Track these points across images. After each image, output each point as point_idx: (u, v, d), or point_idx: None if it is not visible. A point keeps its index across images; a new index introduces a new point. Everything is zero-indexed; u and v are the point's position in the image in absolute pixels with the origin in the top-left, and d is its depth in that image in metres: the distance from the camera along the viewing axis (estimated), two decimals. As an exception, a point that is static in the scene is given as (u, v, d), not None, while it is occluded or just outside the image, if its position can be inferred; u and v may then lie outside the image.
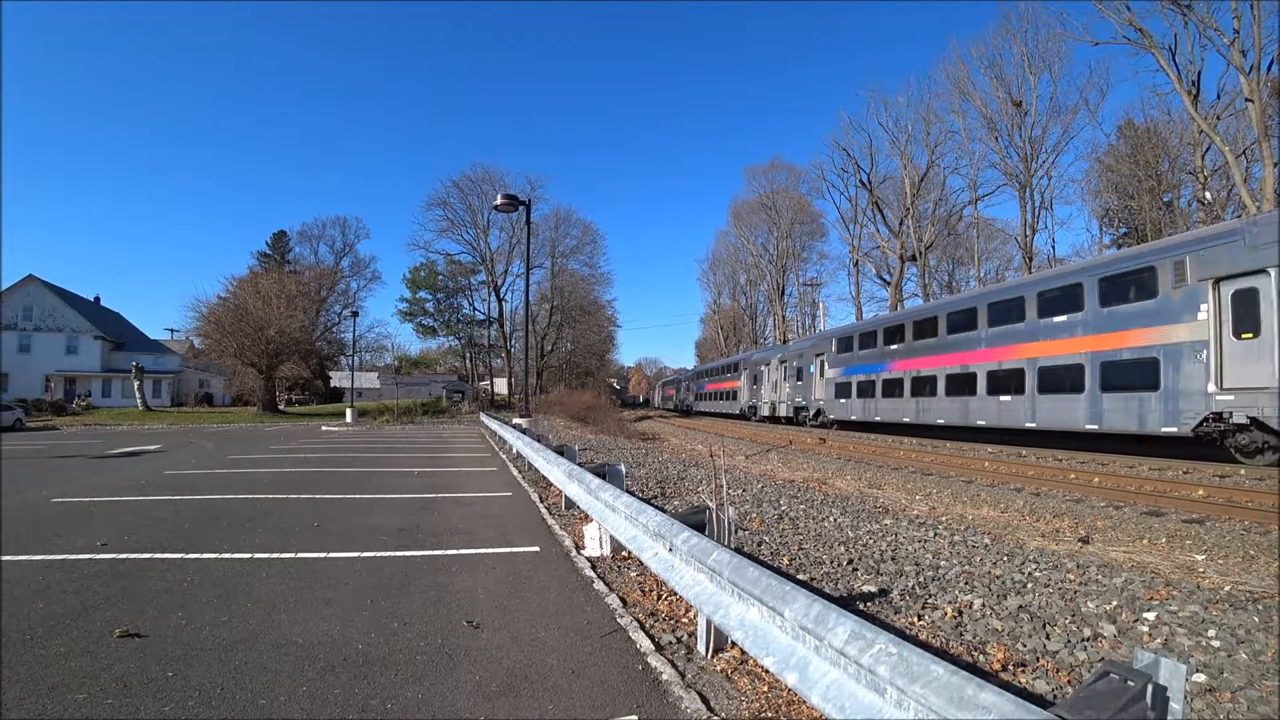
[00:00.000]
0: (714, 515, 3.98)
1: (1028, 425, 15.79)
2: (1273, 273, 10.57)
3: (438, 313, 63.46)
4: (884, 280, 48.03)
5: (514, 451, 14.26)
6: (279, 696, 2.93)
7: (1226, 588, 4.76)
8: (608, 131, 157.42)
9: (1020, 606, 4.24)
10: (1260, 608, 4.14)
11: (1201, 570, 5.67)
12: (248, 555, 5.57)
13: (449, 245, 57.42)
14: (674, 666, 3.32)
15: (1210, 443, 12.02)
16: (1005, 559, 5.51)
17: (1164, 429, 12.39)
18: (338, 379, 64.95)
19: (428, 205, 55.97)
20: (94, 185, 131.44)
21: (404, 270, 77.00)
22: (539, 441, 11.76)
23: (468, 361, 68.08)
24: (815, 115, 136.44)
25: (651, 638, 3.73)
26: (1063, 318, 14.93)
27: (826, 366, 26.46)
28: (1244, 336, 11.13)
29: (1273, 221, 10.98)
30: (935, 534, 6.57)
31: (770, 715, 2.83)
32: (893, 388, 21.44)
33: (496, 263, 55.76)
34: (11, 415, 26.90)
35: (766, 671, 2.97)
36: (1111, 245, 37.45)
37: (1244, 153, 25.35)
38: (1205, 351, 11.69)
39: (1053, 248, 39.42)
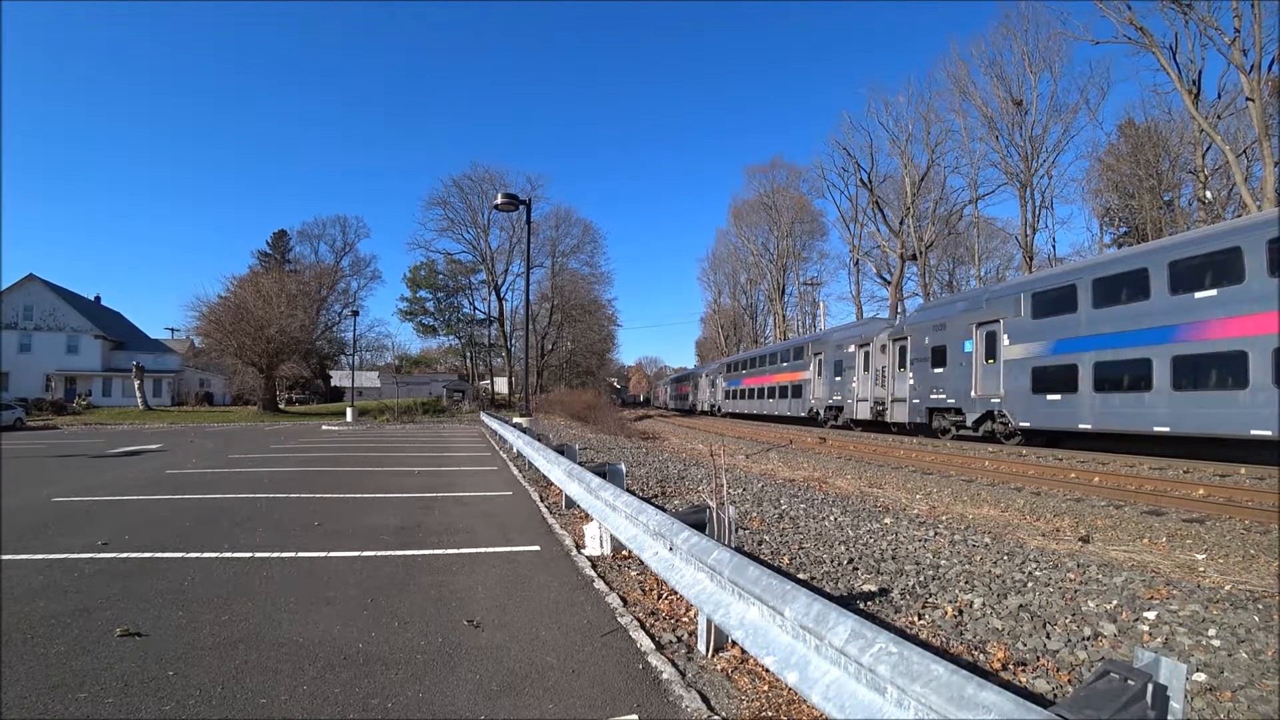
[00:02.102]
0: (714, 514, 3.97)
1: (775, 414, 33.58)
2: (823, 354, 27.45)
3: (438, 312, 63.51)
4: (884, 279, 48.06)
5: (514, 451, 14.26)
6: (280, 696, 2.93)
7: (1227, 587, 4.76)
8: (608, 131, 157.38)
9: (1020, 605, 4.24)
10: (1260, 607, 4.14)
11: (1202, 569, 5.68)
12: (248, 554, 5.57)
13: (449, 244, 57.53)
14: (674, 666, 3.32)
15: (811, 420, 29.01)
16: (1005, 558, 5.51)
17: (801, 414, 29.85)
18: (338, 378, 64.93)
19: (428, 204, 56.16)
20: (94, 185, 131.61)
21: (404, 269, 77.22)
22: (539, 440, 11.76)
23: (468, 361, 68.05)
24: (816, 115, 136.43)
25: (652, 637, 3.74)
26: (783, 364, 32.85)
27: (721, 380, 44.68)
28: (819, 377, 28.09)
29: (822, 336, 29.71)
30: (935, 533, 6.57)
31: (771, 714, 2.83)
32: (743, 394, 39.36)
33: (497, 262, 55.86)
34: (12, 414, 26.91)
35: (767, 671, 2.97)
36: (1112, 244, 37.42)
37: (1244, 152, 25.34)
38: (813, 383, 28.68)
39: (1053, 247, 39.45)
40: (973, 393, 17.10)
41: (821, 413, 27.84)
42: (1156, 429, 12.42)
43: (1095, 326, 13.82)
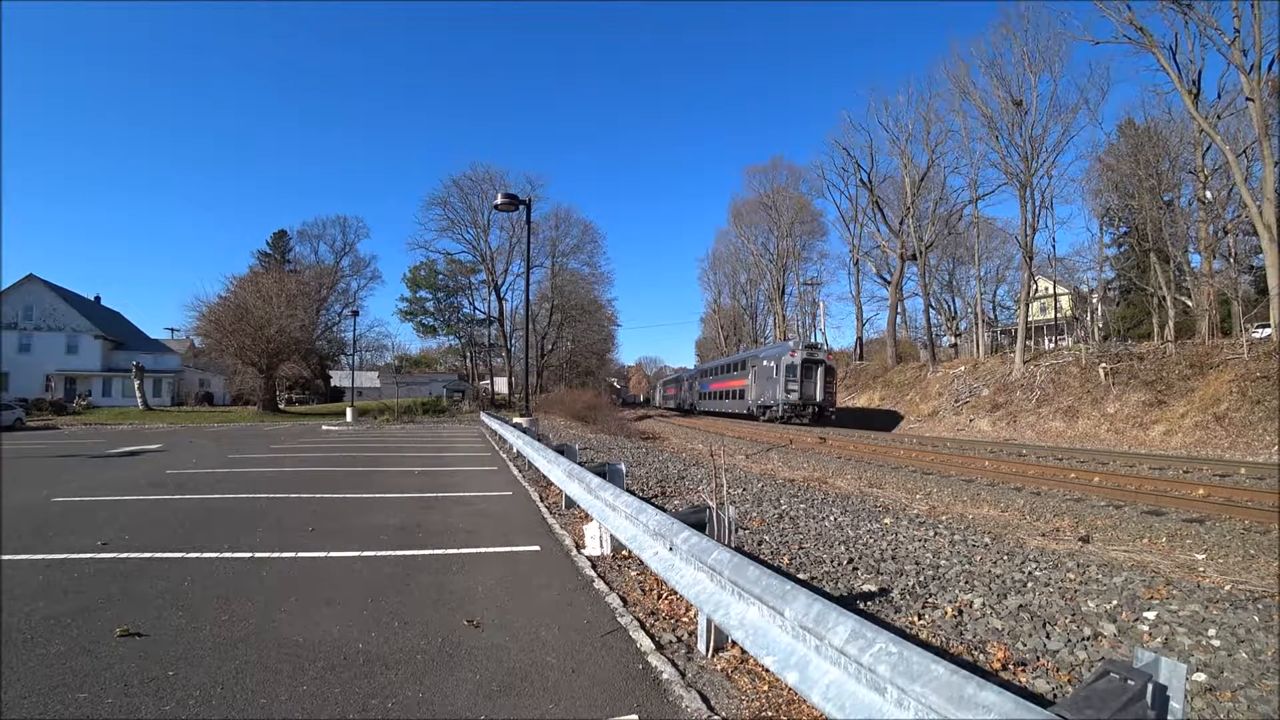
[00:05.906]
0: (714, 514, 3.98)
1: (665, 407, 66.55)
2: (672, 382, 71.00)
3: (438, 312, 63.41)
4: (884, 279, 48.02)
5: (514, 451, 14.26)
6: (280, 696, 2.94)
7: (1227, 587, 4.76)
8: (608, 131, 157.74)
9: (1020, 606, 4.24)
10: (1260, 607, 4.14)
11: (1202, 569, 5.68)
12: (248, 554, 5.58)
13: (449, 244, 57.33)
14: (674, 666, 3.32)
15: (679, 410, 60.61)
16: (1005, 558, 5.52)
17: (670, 408, 64.84)
18: (338, 378, 64.81)
19: (428, 204, 55.85)
20: (94, 184, 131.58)
21: (404, 269, 77.08)
22: (539, 441, 11.76)
23: (468, 361, 68.01)
24: (816, 114, 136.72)
25: (652, 637, 3.74)
26: (672, 384, 68.92)
27: (660, 388, 74.27)
28: (664, 393, 72.22)
29: (681, 375, 69.18)
30: (935, 533, 6.57)
31: (770, 714, 2.84)
32: (666, 398, 66.87)
33: (497, 262, 55.69)
34: (12, 414, 26.88)
35: (767, 671, 2.97)
36: (1112, 244, 37.49)
37: (1244, 152, 25.29)
38: (666, 392, 72.40)
39: (1053, 247, 39.49)
40: (693, 400, 51.39)
41: (674, 407, 58.01)
42: (720, 410, 43.26)
43: (708, 381, 48.03)
